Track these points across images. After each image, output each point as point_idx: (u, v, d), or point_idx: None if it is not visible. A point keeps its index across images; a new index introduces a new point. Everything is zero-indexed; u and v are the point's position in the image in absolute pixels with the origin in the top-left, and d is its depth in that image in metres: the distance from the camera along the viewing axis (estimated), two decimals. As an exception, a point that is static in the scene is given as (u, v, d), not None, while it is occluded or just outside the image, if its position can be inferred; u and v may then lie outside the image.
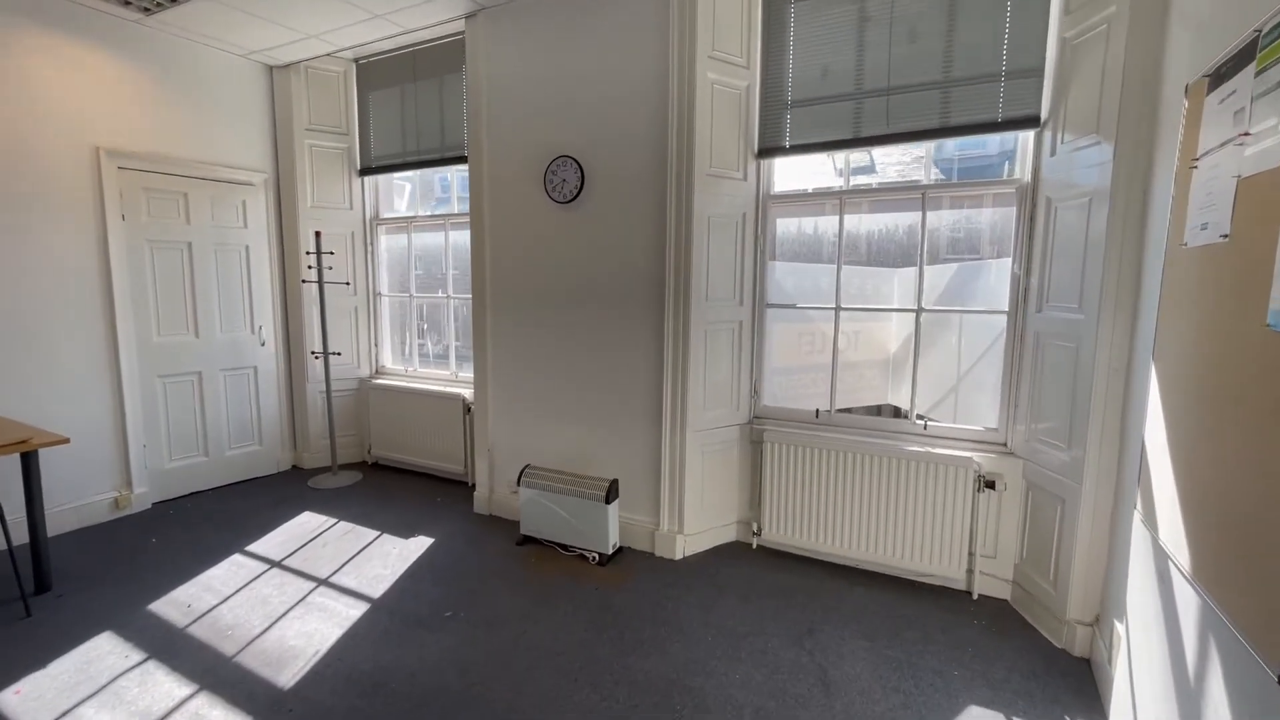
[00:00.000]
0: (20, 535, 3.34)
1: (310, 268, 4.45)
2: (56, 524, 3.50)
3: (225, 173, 4.18)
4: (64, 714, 2.14)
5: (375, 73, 4.51)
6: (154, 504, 3.98)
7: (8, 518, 3.05)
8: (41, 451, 3.41)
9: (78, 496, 3.60)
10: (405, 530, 3.66)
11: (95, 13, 3.49)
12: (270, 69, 4.40)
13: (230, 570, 3.16)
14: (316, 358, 4.50)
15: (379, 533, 3.62)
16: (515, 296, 3.68)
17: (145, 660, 2.43)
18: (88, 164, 3.55)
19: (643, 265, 3.25)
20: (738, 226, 3.28)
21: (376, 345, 4.92)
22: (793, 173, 3.32)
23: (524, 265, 3.63)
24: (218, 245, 4.19)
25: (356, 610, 2.81)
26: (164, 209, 3.91)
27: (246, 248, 4.35)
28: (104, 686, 2.28)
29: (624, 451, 3.43)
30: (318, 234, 4.28)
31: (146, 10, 3.52)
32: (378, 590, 2.98)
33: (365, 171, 4.69)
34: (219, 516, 3.83)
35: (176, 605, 2.83)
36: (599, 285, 3.39)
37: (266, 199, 4.45)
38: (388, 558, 3.31)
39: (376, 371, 4.93)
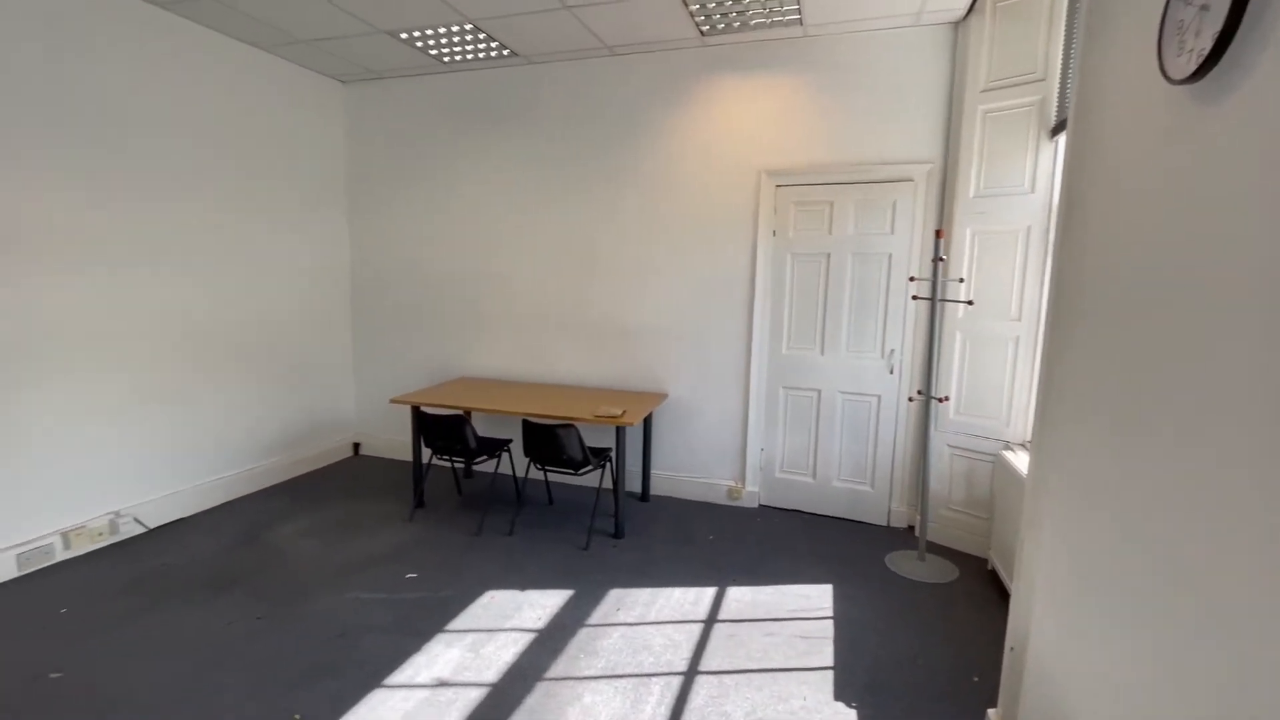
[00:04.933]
0: (667, 488, 4.28)
1: (912, 279, 3.34)
2: (690, 491, 4.25)
3: (880, 171, 3.63)
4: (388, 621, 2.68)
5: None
6: (760, 505, 4.15)
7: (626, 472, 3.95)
8: (688, 430, 4.19)
9: (708, 474, 4.22)
10: None
11: (766, 43, 3.72)
12: (954, 26, 3.43)
13: (610, 610, 2.96)
14: (911, 400, 3.37)
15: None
16: (1101, 324, 1.55)
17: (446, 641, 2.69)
18: (752, 186, 3.90)
19: None
20: None
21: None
22: None
23: (1120, 244, 1.47)
24: (856, 255, 3.75)
25: (641, 734, 2.09)
26: (810, 221, 3.83)
27: (889, 257, 3.69)
28: (489, 632, 2.69)
29: None
30: (938, 233, 3.12)
31: (799, 20, 3.45)
32: (692, 733, 2.10)
33: (1059, 128, 3.00)
34: (754, 550, 3.59)
35: (532, 613, 2.93)
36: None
37: (925, 195, 3.58)
38: None
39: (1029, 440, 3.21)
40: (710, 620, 2.80)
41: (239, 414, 4.11)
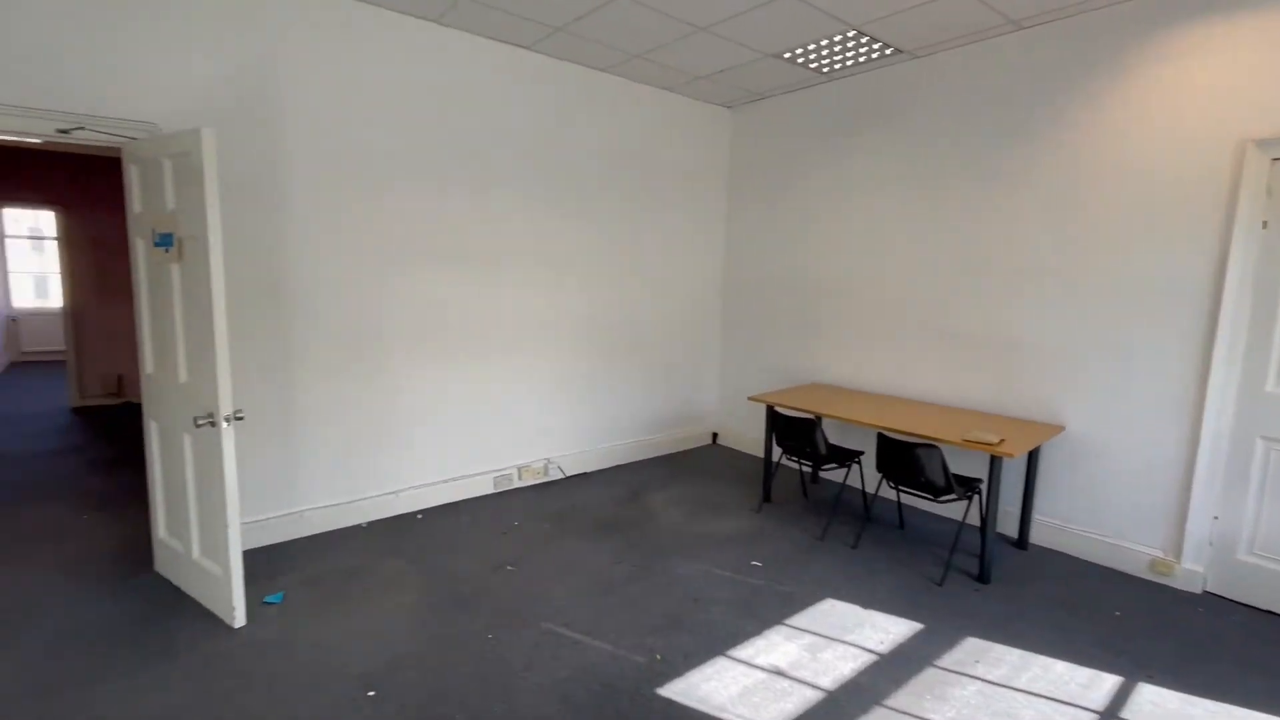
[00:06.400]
0: (1052, 539, 3.55)
1: None
2: (1086, 550, 3.42)
3: None
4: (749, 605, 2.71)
5: None
6: (1204, 591, 3.07)
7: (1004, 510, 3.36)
8: (1090, 473, 3.46)
9: (1117, 535, 3.32)
10: None
11: (1283, -40, 2.69)
12: None
13: (965, 659, 2.41)
14: None
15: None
16: None
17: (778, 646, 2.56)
18: (1222, 163, 2.90)
19: None
20: None
21: None
22: None
23: None
24: None
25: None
26: (1336, 203, 2.65)
27: None
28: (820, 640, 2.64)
29: None
30: None
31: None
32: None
33: None
34: (1188, 646, 2.62)
35: (874, 634, 2.56)
36: None
37: None
38: None
39: None
40: (1109, 715, 2.22)
41: (629, 397, 4.98)
